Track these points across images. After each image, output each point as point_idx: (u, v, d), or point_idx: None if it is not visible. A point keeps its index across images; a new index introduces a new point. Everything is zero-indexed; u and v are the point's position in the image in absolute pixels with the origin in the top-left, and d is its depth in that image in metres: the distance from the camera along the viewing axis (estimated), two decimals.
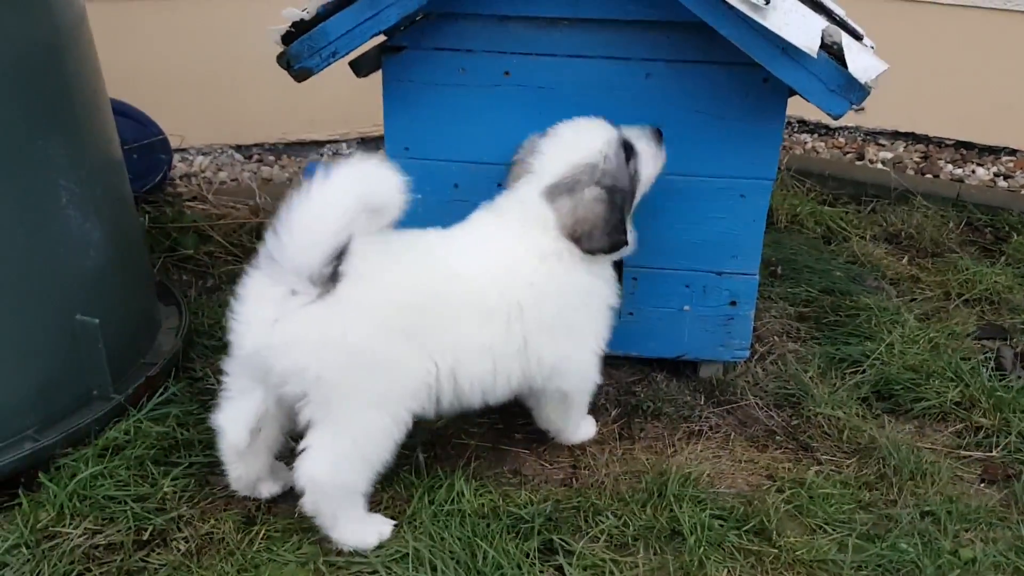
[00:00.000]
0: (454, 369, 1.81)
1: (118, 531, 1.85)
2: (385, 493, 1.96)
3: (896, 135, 4.25)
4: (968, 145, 4.11)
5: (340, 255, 1.64)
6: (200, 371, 2.37)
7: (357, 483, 1.79)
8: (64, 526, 1.85)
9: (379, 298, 1.72)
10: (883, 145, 4.23)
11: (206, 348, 2.48)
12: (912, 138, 4.22)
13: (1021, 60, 3.85)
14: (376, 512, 1.90)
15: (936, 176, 3.93)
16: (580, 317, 1.96)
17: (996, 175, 3.93)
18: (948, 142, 4.14)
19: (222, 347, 2.48)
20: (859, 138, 4.29)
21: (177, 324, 2.48)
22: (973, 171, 3.96)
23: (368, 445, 1.76)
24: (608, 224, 1.86)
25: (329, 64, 1.98)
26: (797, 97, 2.12)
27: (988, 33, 3.88)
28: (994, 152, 4.07)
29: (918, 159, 4.09)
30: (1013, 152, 4.03)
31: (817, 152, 4.20)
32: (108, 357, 2.12)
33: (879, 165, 4.03)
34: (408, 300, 1.74)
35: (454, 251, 1.86)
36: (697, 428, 2.25)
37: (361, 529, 1.83)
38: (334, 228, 1.61)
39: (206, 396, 2.27)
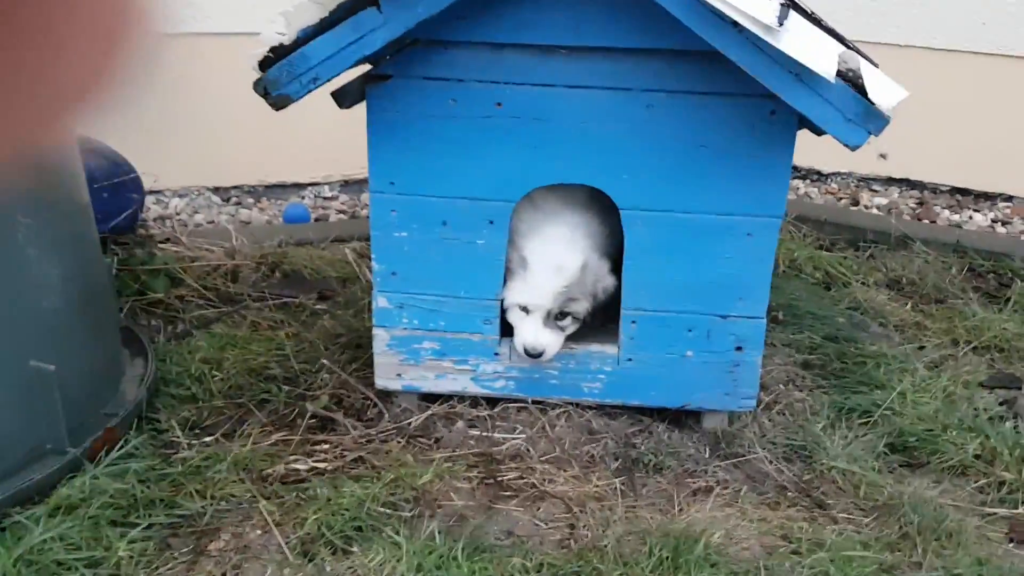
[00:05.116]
0: None
1: None
2: (369, 557, 1.78)
3: (890, 181, 4.17)
4: (964, 191, 4.04)
5: None
6: (165, 423, 2.18)
7: None
8: None
9: None
10: (876, 191, 4.16)
11: (172, 398, 2.30)
12: (906, 184, 4.14)
13: (1016, 105, 3.79)
14: None
15: (933, 222, 3.84)
16: None
17: (994, 221, 3.86)
18: (943, 188, 4.07)
19: (190, 397, 2.33)
20: (852, 184, 4.21)
21: (142, 372, 2.30)
22: (970, 217, 3.88)
23: None
24: None
25: (310, 91, 1.85)
26: None
27: (982, 78, 3.83)
28: (990, 198, 3.99)
29: (913, 205, 4.01)
30: (1010, 198, 3.96)
31: (811, 198, 4.11)
32: (65, 407, 1.94)
33: (874, 211, 3.95)
34: None
35: None
36: (704, 484, 2.09)
37: None
38: None
39: (170, 450, 2.08)
